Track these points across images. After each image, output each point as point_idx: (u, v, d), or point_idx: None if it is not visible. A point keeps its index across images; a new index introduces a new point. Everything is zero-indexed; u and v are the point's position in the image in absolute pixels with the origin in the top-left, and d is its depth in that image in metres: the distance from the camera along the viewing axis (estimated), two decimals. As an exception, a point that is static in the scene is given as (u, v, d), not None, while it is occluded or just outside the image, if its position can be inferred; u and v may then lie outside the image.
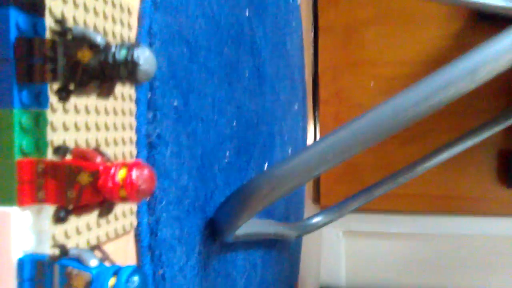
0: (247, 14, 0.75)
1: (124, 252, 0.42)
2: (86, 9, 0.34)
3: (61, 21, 0.25)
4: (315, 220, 1.17)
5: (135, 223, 0.43)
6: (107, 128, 0.37)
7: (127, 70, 0.23)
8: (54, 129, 0.30)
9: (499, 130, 1.02)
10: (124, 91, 0.40)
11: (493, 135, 1.05)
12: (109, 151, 0.37)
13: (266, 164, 0.87)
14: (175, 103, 0.47)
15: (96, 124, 0.36)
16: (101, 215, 0.25)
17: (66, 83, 0.25)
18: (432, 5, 1.36)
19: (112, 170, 0.23)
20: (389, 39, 1.48)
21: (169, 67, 0.46)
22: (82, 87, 0.24)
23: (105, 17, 0.37)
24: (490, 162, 1.45)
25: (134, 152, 0.42)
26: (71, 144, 0.32)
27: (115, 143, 0.38)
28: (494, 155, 1.44)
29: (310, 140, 1.57)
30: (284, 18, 1.05)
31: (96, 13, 0.36)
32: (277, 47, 0.97)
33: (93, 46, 0.24)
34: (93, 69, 0.24)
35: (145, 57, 0.23)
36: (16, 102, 0.24)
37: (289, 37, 1.09)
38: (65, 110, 0.32)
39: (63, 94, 0.25)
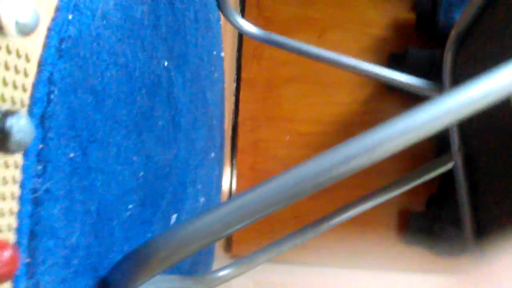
0: (166, 64, 0.74)
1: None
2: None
3: None
4: (225, 272, 1.15)
5: (7, 289, 0.38)
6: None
7: (-4, 138, 0.21)
8: None
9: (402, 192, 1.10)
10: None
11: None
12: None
13: (175, 216, 0.84)
14: (71, 155, 0.44)
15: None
16: None
17: None
18: (345, 73, 1.47)
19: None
20: (305, 98, 1.58)
21: (68, 117, 0.43)
22: None
23: (-6, 62, 0.34)
24: (391, 221, 1.55)
25: (15, 209, 0.38)
26: None
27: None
28: (394, 214, 1.55)
29: (225, 188, 1.57)
30: (206, 69, 1.06)
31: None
32: (196, 96, 0.97)
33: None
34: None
35: (19, 126, 0.21)
36: None
37: (210, 88, 1.11)
38: None
39: None
